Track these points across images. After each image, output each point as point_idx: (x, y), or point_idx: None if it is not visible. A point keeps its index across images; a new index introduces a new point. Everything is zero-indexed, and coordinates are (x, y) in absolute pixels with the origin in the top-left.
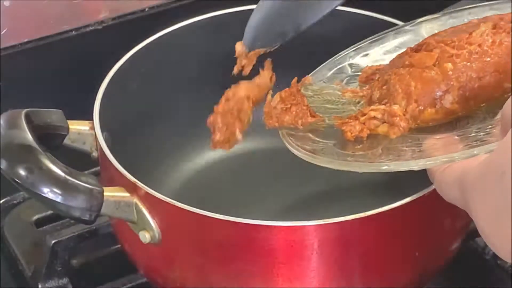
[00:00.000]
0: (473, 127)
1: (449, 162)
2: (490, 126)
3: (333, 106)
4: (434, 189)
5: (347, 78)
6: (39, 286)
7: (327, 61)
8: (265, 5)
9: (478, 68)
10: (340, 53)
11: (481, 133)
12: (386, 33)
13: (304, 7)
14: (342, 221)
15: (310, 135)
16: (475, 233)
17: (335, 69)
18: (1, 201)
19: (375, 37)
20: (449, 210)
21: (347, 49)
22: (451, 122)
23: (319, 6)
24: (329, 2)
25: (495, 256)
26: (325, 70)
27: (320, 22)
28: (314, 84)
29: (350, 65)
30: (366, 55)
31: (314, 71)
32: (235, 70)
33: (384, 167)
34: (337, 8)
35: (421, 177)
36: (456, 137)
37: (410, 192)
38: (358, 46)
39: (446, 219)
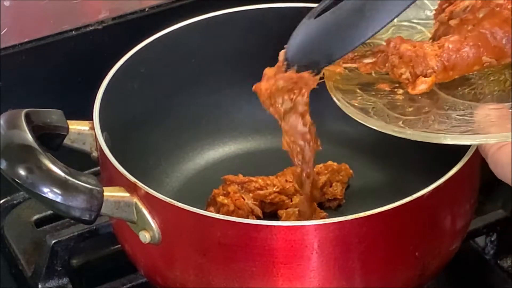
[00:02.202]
0: None
1: (505, 140)
2: None
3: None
4: (434, 189)
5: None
6: (39, 286)
7: None
8: (311, 25)
9: (456, 40)
10: None
11: None
12: None
13: (339, 37)
14: (342, 221)
15: (359, 90)
16: (475, 233)
17: None
18: (1, 201)
19: None
20: (449, 210)
21: None
22: (504, 91)
23: (351, 39)
24: (360, 35)
25: (495, 256)
26: None
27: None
28: None
29: None
30: None
31: None
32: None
33: (442, 139)
34: None
35: (421, 177)
36: (511, 110)
37: (410, 192)
38: None
39: (446, 219)
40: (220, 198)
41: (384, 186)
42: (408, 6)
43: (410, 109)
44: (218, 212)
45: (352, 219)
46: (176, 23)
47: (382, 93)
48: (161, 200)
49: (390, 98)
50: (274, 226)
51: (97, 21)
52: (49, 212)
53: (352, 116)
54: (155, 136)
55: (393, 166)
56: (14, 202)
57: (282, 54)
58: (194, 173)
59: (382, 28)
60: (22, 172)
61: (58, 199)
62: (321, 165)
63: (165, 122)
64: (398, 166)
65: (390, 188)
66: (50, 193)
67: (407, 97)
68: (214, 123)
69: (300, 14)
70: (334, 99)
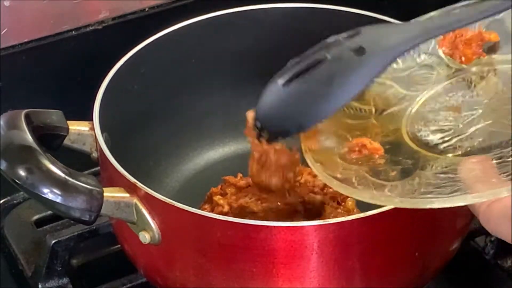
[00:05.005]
0: (508, 149)
1: (496, 197)
2: None
3: (354, 122)
4: None
5: None
6: (39, 286)
7: None
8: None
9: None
10: None
11: None
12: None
13: (309, 108)
14: (342, 221)
15: (339, 160)
16: (475, 233)
17: None
18: (1, 201)
19: None
20: (449, 210)
21: None
22: (484, 140)
23: (320, 110)
24: (329, 106)
25: (495, 256)
26: None
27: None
28: None
29: None
30: None
31: None
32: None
33: (429, 204)
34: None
35: None
36: (494, 161)
37: None
38: None
39: (446, 219)
40: (217, 198)
41: None
42: (376, 75)
43: (393, 173)
44: (212, 211)
45: (352, 219)
46: (176, 23)
47: (362, 159)
48: (161, 200)
49: (371, 163)
50: (274, 226)
51: (97, 21)
52: (49, 212)
53: (337, 190)
54: (155, 137)
55: None
56: (14, 202)
57: (250, 116)
58: (194, 173)
59: (352, 98)
60: (22, 172)
61: (58, 199)
62: None
63: (165, 122)
64: None
65: None
66: (50, 193)
67: (388, 159)
68: (214, 123)
69: (300, 14)
70: (317, 173)
